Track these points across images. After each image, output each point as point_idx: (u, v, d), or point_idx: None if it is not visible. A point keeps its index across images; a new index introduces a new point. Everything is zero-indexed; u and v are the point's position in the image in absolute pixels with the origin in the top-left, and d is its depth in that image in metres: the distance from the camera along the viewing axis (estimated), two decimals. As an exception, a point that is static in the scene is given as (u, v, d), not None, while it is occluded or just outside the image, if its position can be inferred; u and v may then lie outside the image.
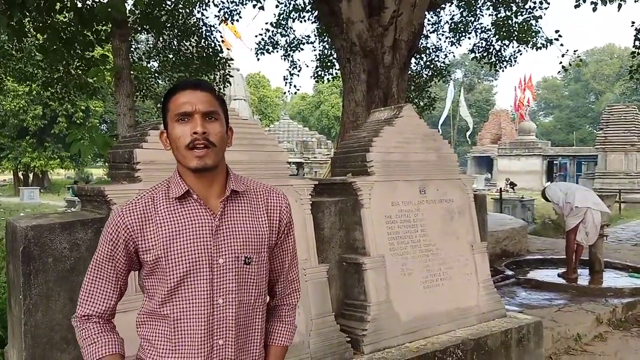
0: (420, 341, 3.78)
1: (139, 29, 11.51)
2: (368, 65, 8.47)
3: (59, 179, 50.02)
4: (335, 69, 13.86)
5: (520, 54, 13.73)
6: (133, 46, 12.69)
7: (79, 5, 7.38)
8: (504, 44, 13.58)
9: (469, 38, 14.40)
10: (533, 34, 12.72)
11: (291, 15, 13.57)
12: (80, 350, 1.62)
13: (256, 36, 13.75)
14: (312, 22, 13.74)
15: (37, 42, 9.23)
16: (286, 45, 14.13)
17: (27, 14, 6.74)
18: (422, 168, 4.16)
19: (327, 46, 13.98)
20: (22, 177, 41.20)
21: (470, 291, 4.23)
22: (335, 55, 11.63)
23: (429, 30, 14.23)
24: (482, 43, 14.01)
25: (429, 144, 4.26)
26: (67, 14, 7.68)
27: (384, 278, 3.75)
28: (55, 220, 2.72)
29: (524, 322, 4.23)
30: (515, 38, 12.99)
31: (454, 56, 15.62)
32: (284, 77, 14.26)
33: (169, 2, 11.88)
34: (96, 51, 10.46)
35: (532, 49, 13.08)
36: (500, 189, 18.41)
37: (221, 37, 13.24)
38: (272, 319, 1.82)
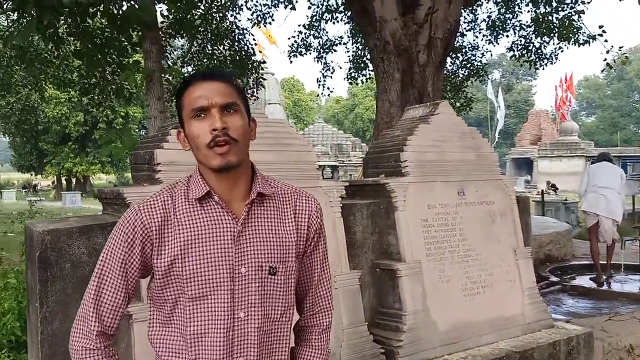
0: (460, 353, 3.53)
1: (173, 33, 11.58)
2: (402, 64, 8.25)
3: (101, 183, 51.30)
4: (369, 70, 13.64)
5: (562, 51, 13.22)
6: (168, 51, 12.79)
7: (113, 10, 7.40)
8: (544, 41, 13.10)
9: (507, 36, 13.97)
10: (575, 30, 12.22)
11: (324, 17, 13.43)
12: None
13: (289, 38, 13.66)
14: (345, 23, 13.57)
15: (74, 48, 9.33)
16: (319, 47, 13.99)
17: (60, 18, 6.76)
18: (460, 168, 3.92)
19: (360, 47, 13.78)
20: (65, 182, 42.35)
21: (514, 299, 3.96)
22: (368, 56, 11.44)
23: (465, 28, 13.87)
24: (521, 40, 13.56)
25: (467, 142, 4.01)
26: (100, 19, 7.71)
27: (421, 285, 3.52)
28: (73, 224, 2.61)
29: (573, 333, 3.93)
30: (556, 34, 12.51)
31: (491, 55, 15.22)
32: (317, 79, 14.13)
33: (202, 7, 11.92)
34: (137, 56, 10.59)
35: (574, 45, 12.57)
36: (542, 190, 17.80)
37: (254, 39, 13.19)
38: (301, 344, 1.64)
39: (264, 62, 13.13)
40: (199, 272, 1.37)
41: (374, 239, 3.64)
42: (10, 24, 10.71)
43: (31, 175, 45.01)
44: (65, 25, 7.64)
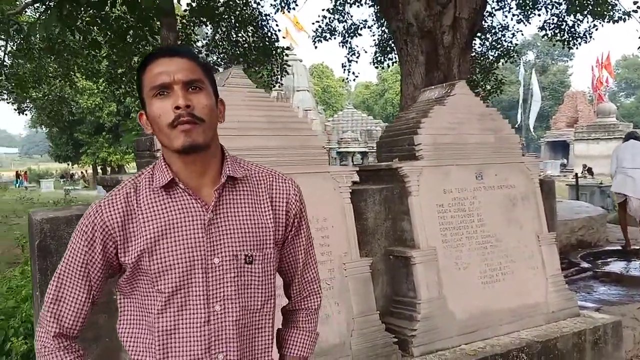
0: (479, 343, 3.40)
1: (196, 21, 11.56)
2: (426, 46, 8.06)
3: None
4: (395, 53, 13.39)
5: (596, 29, 12.72)
6: (194, 40, 12.79)
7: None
8: (577, 19, 12.62)
9: (539, 15, 13.49)
10: (609, 6, 11.72)
11: (348, 0, 13.20)
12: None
13: (313, 23, 13.50)
14: (369, 6, 13.33)
15: (90, 38, 9.42)
16: (344, 32, 13.79)
17: (80, 8, 6.78)
18: (478, 151, 3.75)
19: (385, 30, 13.53)
20: (100, 171, 43.32)
21: (537, 287, 3.79)
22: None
23: (494, 7, 13.46)
24: (553, 19, 13.09)
25: (486, 124, 3.84)
26: (120, 8, 7.72)
27: (436, 273, 3.39)
28: (74, 212, 2.58)
29: (600, 322, 3.75)
30: (589, 12, 12.02)
31: (522, 34, 14.74)
32: (342, 64, 13.95)
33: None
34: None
35: (609, 22, 12.07)
36: (576, 174, 17.28)
37: (276, 25, 13.07)
38: (289, 325, 1.56)
39: (288, 48, 13.08)
40: (168, 267, 1.28)
41: (388, 225, 3.52)
42: (38, 17, 10.85)
43: (68, 165, 46.20)
44: (84, 14, 7.67)
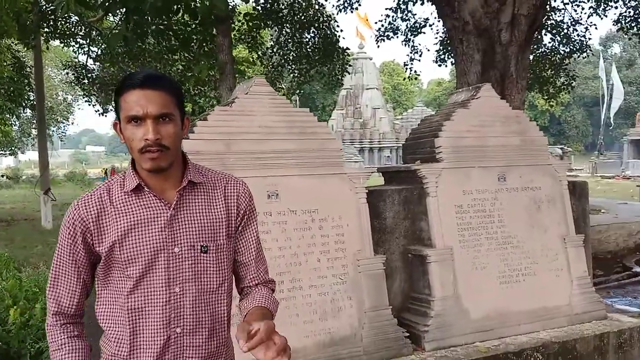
0: (494, 341, 3.48)
1: (261, 24, 12.02)
2: (483, 44, 7.99)
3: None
4: (458, 52, 13.24)
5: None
6: (260, 42, 13.27)
7: (195, 5, 7.85)
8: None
9: (616, 7, 12.94)
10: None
11: (411, -1, 13.22)
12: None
13: (375, 22, 13.62)
14: (432, 4, 13.26)
15: (165, 43, 9.98)
16: (407, 30, 13.82)
17: (145, 17, 7.29)
18: (501, 153, 3.81)
19: (449, 28, 13.41)
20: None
21: (560, 289, 3.80)
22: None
23: (564, 1, 13.02)
24: (629, 12, 12.52)
25: (511, 127, 3.88)
26: (182, 17, 8.21)
27: (452, 272, 3.50)
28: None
29: (626, 326, 3.71)
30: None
31: (596, 28, 14.09)
32: (404, 62, 13.99)
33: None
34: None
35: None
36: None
37: (338, 26, 13.25)
38: (249, 292, 1.75)
39: (348, 48, 13.20)
40: (135, 255, 1.56)
41: (407, 224, 3.66)
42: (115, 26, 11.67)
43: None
44: (149, 23, 8.22)
